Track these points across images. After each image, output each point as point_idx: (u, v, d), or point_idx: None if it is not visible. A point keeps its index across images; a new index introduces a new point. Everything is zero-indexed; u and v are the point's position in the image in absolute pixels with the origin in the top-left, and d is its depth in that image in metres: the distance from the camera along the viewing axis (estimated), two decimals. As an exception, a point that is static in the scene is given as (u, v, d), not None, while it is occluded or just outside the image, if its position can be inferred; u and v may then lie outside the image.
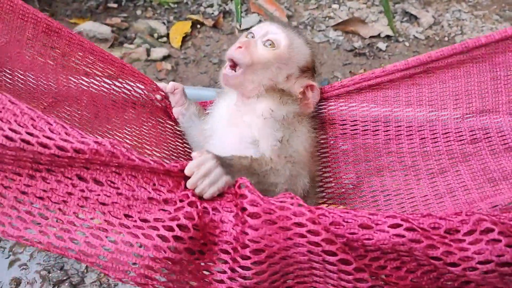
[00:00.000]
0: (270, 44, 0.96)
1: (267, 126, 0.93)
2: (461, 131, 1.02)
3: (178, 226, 0.60)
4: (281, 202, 0.60)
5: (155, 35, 2.42)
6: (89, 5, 2.68)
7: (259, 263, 0.61)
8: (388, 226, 0.58)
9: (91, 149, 0.57)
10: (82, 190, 0.61)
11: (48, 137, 0.56)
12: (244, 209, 0.60)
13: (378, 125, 1.08)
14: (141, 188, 0.61)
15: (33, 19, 0.98)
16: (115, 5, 2.68)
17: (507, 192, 0.92)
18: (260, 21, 2.52)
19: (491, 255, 0.56)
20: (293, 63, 1.01)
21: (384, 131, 1.07)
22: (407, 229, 0.58)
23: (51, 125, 0.57)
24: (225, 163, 0.70)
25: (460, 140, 1.02)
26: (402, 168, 1.06)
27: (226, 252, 0.63)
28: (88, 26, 2.48)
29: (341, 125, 1.11)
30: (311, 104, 1.03)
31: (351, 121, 1.10)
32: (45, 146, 0.57)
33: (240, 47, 0.96)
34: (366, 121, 1.09)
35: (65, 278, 1.37)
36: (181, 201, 0.63)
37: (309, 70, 1.06)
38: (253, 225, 0.58)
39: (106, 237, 0.62)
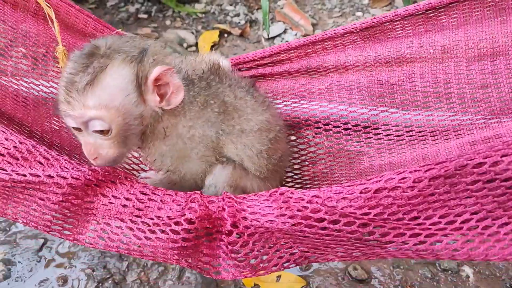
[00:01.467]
0: (102, 132, 0.80)
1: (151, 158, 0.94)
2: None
3: (185, 220, 0.74)
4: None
5: (184, 44, 2.51)
6: (121, 16, 2.80)
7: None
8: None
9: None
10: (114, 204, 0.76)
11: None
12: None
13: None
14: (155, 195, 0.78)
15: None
16: (145, 16, 2.79)
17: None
18: (285, 29, 2.59)
19: None
20: (130, 110, 0.80)
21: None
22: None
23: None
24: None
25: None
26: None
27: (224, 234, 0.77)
28: (120, 37, 2.59)
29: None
30: (177, 86, 0.84)
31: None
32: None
33: (94, 158, 0.83)
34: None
35: (108, 276, 1.45)
36: (185, 201, 0.77)
37: (139, 70, 0.81)
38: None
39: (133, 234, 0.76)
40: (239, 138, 0.94)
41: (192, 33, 2.59)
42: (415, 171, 0.67)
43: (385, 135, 1.13)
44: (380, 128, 1.13)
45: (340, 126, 1.16)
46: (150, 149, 0.90)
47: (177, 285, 1.44)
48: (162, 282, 1.44)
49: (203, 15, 2.71)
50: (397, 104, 1.13)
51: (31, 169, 0.71)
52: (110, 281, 1.44)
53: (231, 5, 2.76)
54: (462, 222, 0.68)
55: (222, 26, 2.59)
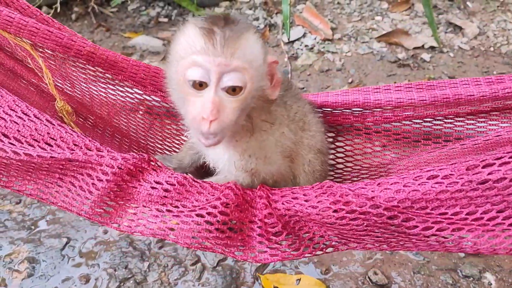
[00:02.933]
0: (233, 91, 0.73)
1: (234, 156, 0.89)
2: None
3: (221, 204, 0.76)
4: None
5: (204, 48, 2.52)
6: (142, 20, 2.84)
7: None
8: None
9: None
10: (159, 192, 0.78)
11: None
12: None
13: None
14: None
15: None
16: (166, 20, 2.83)
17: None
18: (304, 33, 2.60)
19: None
20: (261, 78, 0.78)
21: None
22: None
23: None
24: None
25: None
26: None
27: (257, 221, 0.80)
28: (141, 40, 2.63)
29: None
30: (278, 80, 0.83)
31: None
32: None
33: (211, 120, 0.73)
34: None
35: (129, 276, 1.47)
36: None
37: (264, 47, 0.80)
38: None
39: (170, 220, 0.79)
40: (306, 153, 0.96)
41: (212, 36, 2.60)
42: (443, 169, 0.71)
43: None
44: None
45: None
46: (243, 144, 0.87)
47: (197, 287, 1.45)
48: (182, 283, 1.45)
49: (223, 19, 2.73)
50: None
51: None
52: (131, 281, 1.46)
53: (250, 9, 2.78)
54: (489, 219, 0.71)
55: (242, 30, 2.60)
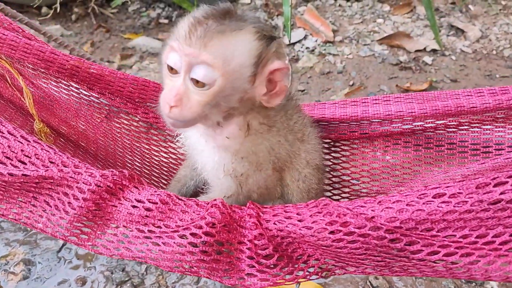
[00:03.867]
0: (197, 84, 0.73)
1: (224, 159, 0.86)
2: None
3: (206, 224, 0.71)
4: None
5: (205, 49, 2.51)
6: (142, 21, 2.82)
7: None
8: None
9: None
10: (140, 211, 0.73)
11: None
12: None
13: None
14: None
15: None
16: (166, 21, 2.81)
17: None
18: (305, 36, 2.58)
19: None
20: (239, 80, 0.76)
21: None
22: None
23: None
24: None
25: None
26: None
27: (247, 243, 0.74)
28: (141, 41, 2.61)
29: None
30: (283, 88, 0.79)
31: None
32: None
33: (171, 106, 0.75)
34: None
35: (126, 279, 1.45)
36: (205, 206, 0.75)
37: (264, 52, 0.77)
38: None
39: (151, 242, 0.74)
40: (303, 167, 0.93)
41: (212, 38, 2.59)
42: (450, 186, 0.65)
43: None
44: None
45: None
46: (236, 144, 0.84)
47: (195, 290, 1.43)
48: (180, 286, 1.43)
49: (224, 20, 2.72)
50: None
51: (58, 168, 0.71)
52: (128, 284, 1.44)
53: (251, 11, 2.76)
54: (502, 243, 0.64)
55: (242, 32, 2.58)
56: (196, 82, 0.73)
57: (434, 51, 2.48)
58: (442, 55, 2.46)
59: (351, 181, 1.13)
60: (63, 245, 1.55)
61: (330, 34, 2.58)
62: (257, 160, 0.86)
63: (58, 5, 2.51)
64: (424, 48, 2.49)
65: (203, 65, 0.72)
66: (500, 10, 2.80)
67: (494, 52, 2.47)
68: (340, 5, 2.89)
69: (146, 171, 1.16)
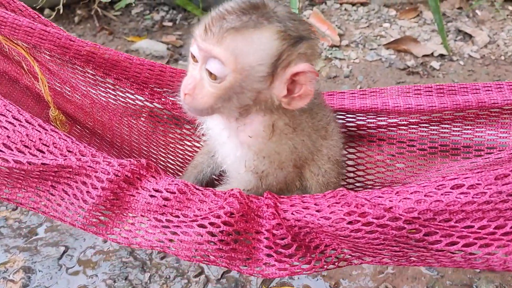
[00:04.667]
0: (211, 76, 0.74)
1: (246, 155, 0.85)
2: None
3: (225, 213, 0.70)
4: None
5: (209, 52, 2.48)
6: (146, 24, 2.79)
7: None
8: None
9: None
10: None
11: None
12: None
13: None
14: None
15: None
16: (170, 24, 2.78)
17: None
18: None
19: None
20: (251, 78, 0.74)
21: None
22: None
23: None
24: None
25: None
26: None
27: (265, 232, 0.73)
28: (145, 44, 2.58)
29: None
30: (307, 93, 0.76)
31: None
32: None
33: (186, 93, 0.77)
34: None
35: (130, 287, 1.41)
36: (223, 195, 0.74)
37: (286, 53, 0.75)
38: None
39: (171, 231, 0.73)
40: (324, 163, 0.92)
41: (217, 41, 2.56)
42: (468, 177, 0.65)
43: None
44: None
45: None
46: (259, 143, 0.83)
47: (200, 300, 1.38)
48: (185, 296, 1.38)
49: (228, 24, 2.69)
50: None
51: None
52: (131, 293, 1.39)
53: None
54: None
55: (247, 35, 2.55)
56: (210, 74, 0.74)
57: (441, 56, 2.45)
58: (450, 60, 2.43)
59: (366, 170, 1.12)
60: (64, 252, 1.51)
61: (336, 38, 2.55)
62: (279, 159, 0.85)
63: (61, 7, 2.48)
64: (432, 53, 2.46)
65: (214, 60, 0.73)
66: (508, 15, 2.77)
67: (503, 57, 2.43)
68: (345, 9, 2.86)
69: (161, 158, 1.14)
